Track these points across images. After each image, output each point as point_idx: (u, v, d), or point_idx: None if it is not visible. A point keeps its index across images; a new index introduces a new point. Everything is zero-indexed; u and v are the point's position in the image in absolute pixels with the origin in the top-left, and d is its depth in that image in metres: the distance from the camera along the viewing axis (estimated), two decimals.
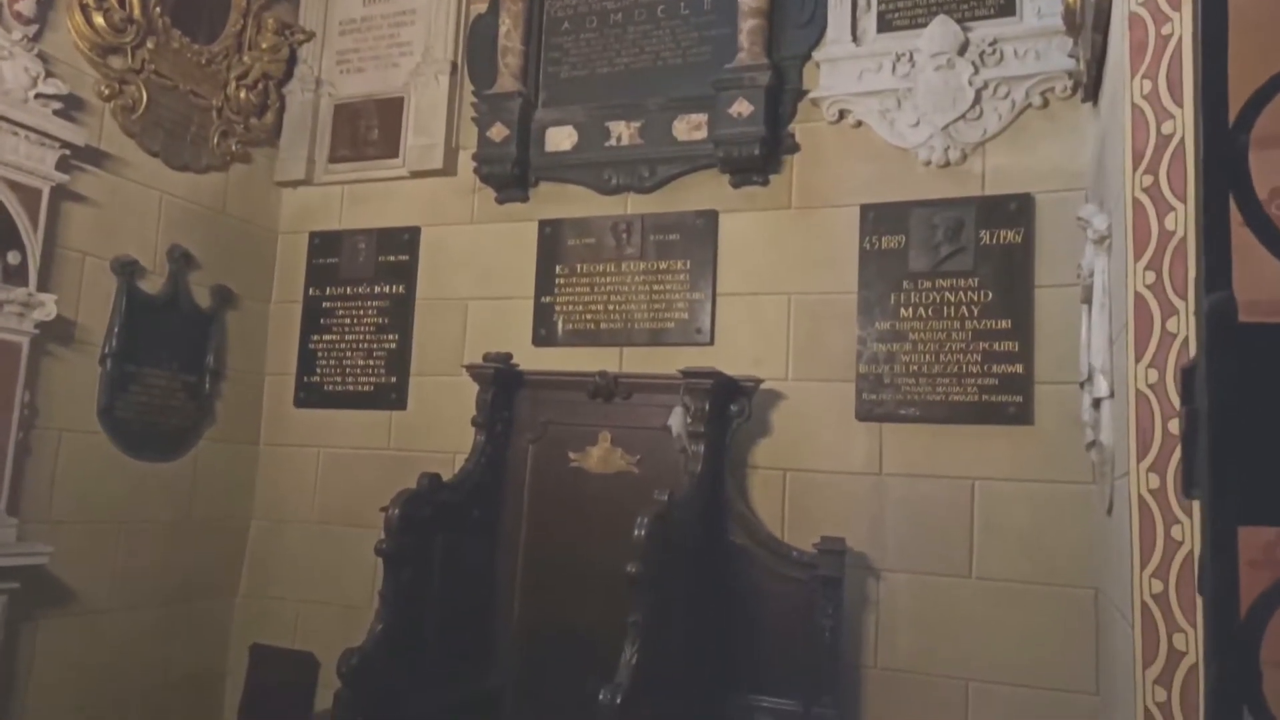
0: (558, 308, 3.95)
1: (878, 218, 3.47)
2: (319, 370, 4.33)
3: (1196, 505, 1.68)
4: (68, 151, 3.35)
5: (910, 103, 3.43)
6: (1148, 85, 1.91)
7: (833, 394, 3.46)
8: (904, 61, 3.45)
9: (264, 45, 4.30)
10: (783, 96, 3.64)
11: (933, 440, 3.31)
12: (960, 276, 3.32)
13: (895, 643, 3.26)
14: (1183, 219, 1.87)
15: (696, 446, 3.25)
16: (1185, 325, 1.82)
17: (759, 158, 3.58)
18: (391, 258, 4.27)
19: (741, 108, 3.56)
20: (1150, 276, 1.90)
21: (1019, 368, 3.22)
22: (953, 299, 3.33)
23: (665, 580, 2.83)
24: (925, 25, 3.43)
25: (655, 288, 3.81)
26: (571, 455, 3.56)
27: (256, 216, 4.36)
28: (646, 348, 3.79)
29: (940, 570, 3.24)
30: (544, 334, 3.96)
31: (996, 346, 3.25)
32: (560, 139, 3.98)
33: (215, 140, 4.10)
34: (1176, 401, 1.81)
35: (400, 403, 4.16)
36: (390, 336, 4.23)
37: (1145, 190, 1.94)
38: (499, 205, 4.10)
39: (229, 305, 4.19)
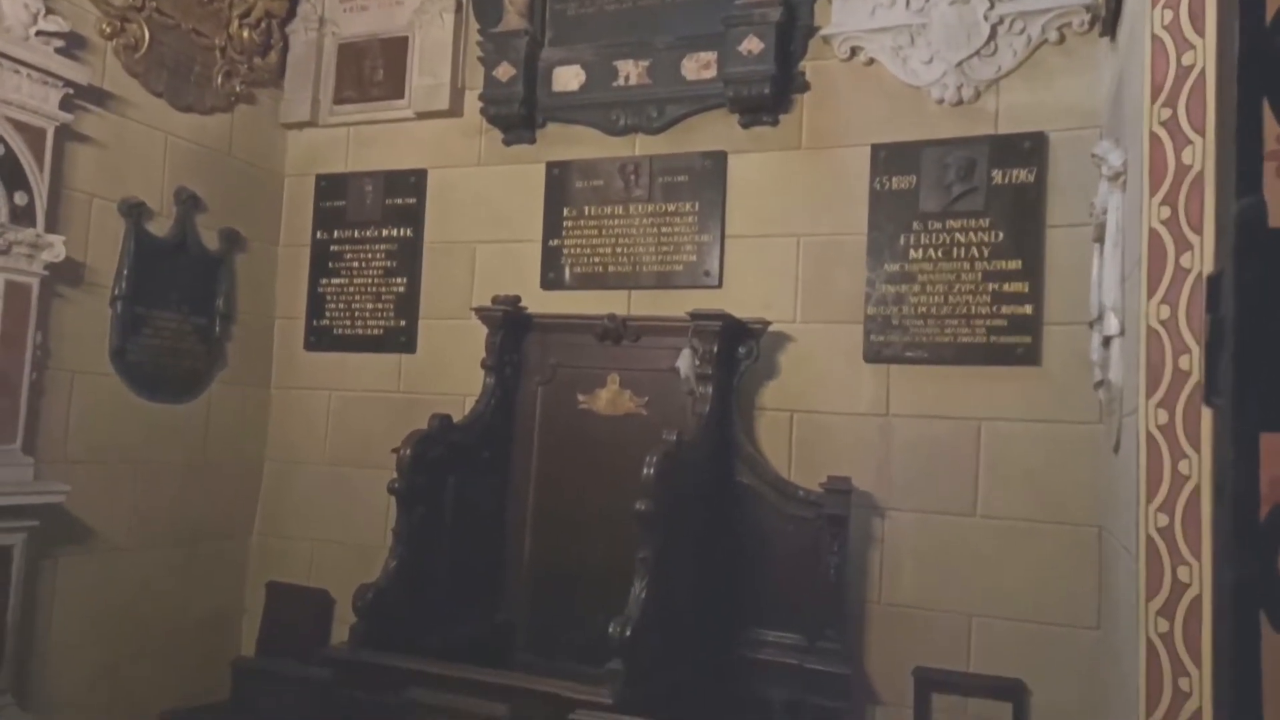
0: (566, 251, 3.94)
1: (889, 158, 3.43)
2: (328, 314, 4.34)
3: (1205, 439, 1.70)
4: (71, 91, 3.32)
5: (924, 39, 3.38)
6: (1169, 15, 1.87)
7: (841, 336, 3.47)
8: None
9: None
10: (793, 33, 3.58)
11: (940, 382, 3.32)
12: (971, 217, 3.30)
13: (899, 579, 3.31)
14: (1200, 153, 1.85)
15: (704, 388, 3.26)
16: (1199, 260, 1.81)
17: (769, 97, 3.54)
18: (399, 200, 4.25)
19: (751, 45, 3.51)
20: (1165, 212, 1.89)
21: (1028, 309, 3.21)
22: (963, 240, 3.31)
23: (674, 518, 2.86)
24: None
25: (663, 230, 3.80)
26: (580, 398, 3.58)
27: (262, 159, 4.33)
28: (654, 290, 3.78)
29: (945, 509, 3.27)
30: (552, 277, 3.95)
31: (1006, 287, 3.25)
32: (567, 79, 3.93)
33: (219, 81, 4.05)
34: (1188, 338, 1.82)
35: (409, 346, 4.17)
36: (398, 280, 4.22)
37: (1163, 124, 1.92)
38: (506, 147, 4.07)
39: (237, 248, 4.18)
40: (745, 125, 3.67)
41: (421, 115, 4.20)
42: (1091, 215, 2.64)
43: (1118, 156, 2.33)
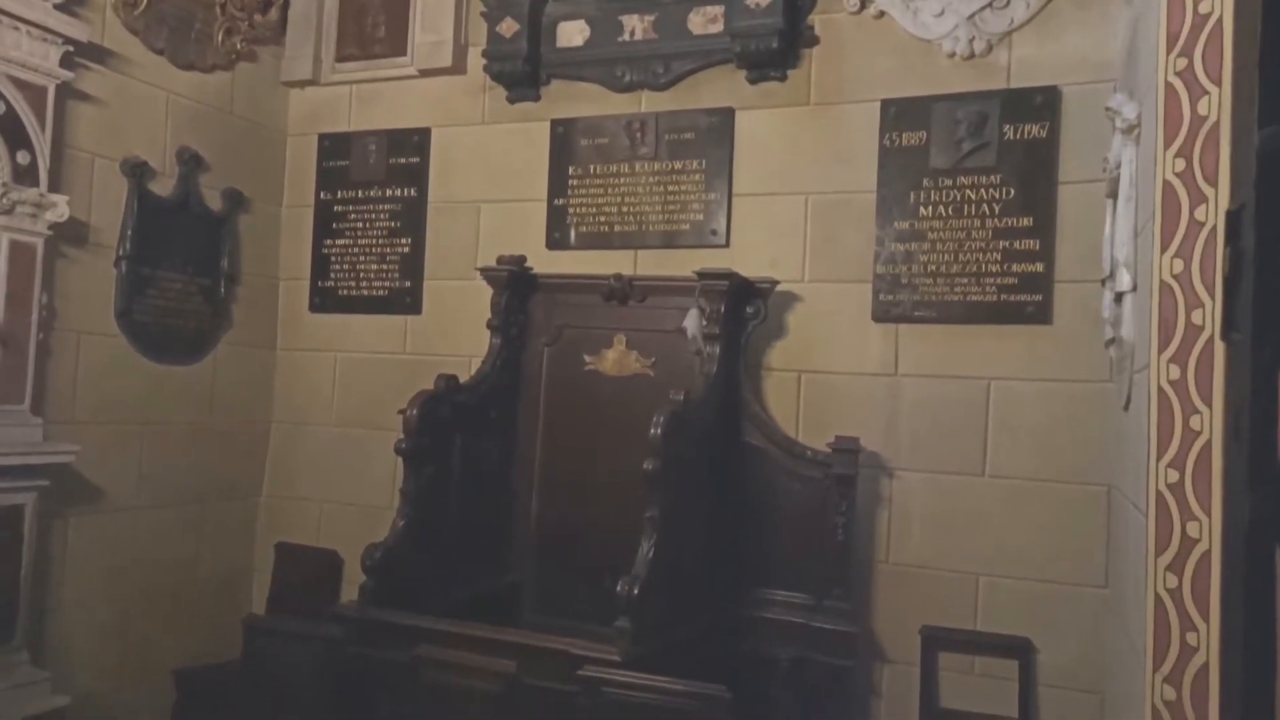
0: (571, 210, 3.91)
1: (899, 113, 3.38)
2: (333, 275, 4.32)
3: (1218, 388, 1.68)
4: (71, 48, 3.28)
5: None
6: None
7: (849, 295, 3.44)
8: None
9: None
10: None
11: (949, 341, 3.30)
12: (982, 173, 3.25)
13: (907, 539, 3.31)
14: (1216, 103, 1.81)
15: (712, 348, 3.24)
16: (1214, 214, 1.78)
17: (777, 51, 3.48)
18: (402, 160, 4.21)
19: None
20: (1180, 164, 1.85)
21: (1039, 266, 3.18)
22: (974, 197, 3.27)
23: (681, 478, 2.86)
24: None
25: (670, 189, 3.76)
26: (586, 358, 3.57)
27: (264, 118, 4.29)
28: (661, 250, 3.75)
29: (953, 469, 3.26)
30: (557, 237, 3.92)
31: (1017, 245, 3.21)
32: (572, 34, 3.87)
33: (220, 38, 4.00)
34: (1201, 291, 1.79)
35: (415, 307, 4.16)
36: (403, 240, 4.20)
37: (1179, 74, 1.87)
38: (510, 105, 4.02)
39: (240, 209, 4.16)
40: (753, 81, 3.61)
41: (424, 73, 4.15)
42: (1105, 170, 2.60)
43: (1132, 109, 2.29)
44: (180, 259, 3.87)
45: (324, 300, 4.34)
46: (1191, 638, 1.77)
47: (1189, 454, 1.79)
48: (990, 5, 3.24)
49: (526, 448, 3.60)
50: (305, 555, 4.16)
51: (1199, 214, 1.81)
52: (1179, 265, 1.83)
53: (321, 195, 4.36)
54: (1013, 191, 3.22)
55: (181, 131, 3.86)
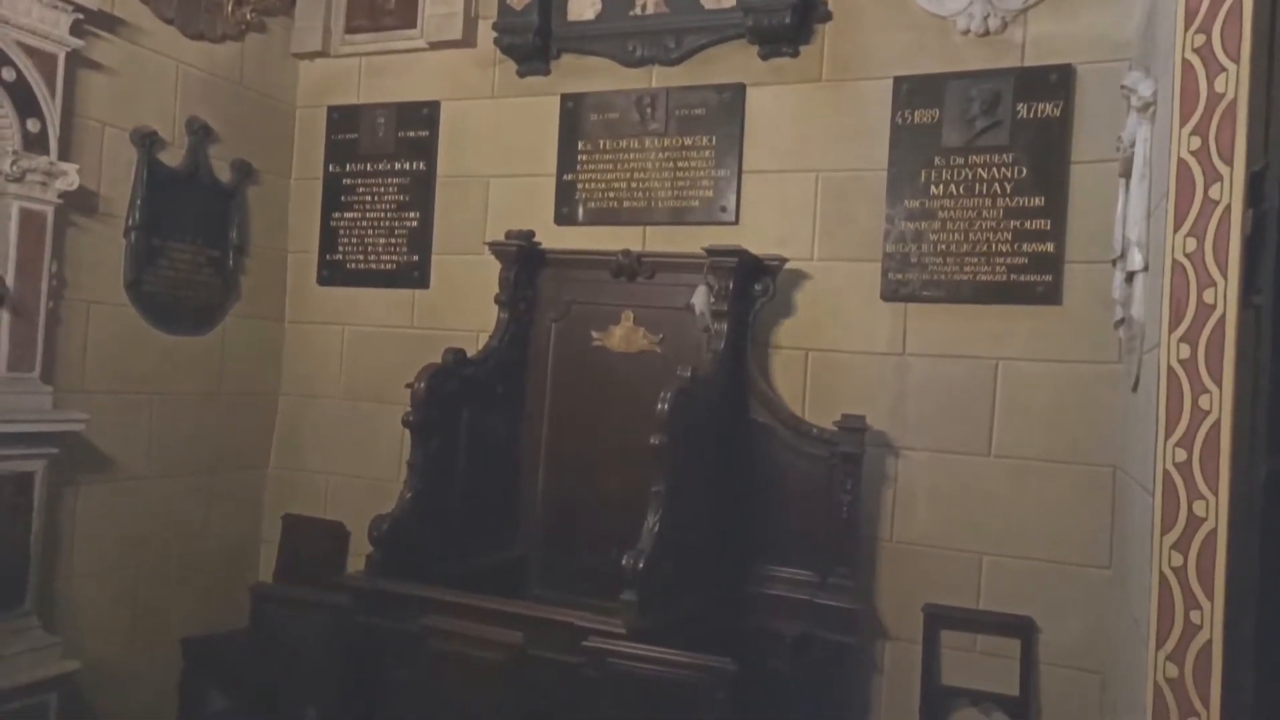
0: (580, 185, 3.89)
1: (911, 90, 3.36)
2: (341, 248, 4.32)
3: (1228, 373, 1.67)
4: (80, 16, 3.27)
5: None
6: None
7: (858, 274, 3.43)
8: None
9: None
10: None
11: (958, 320, 3.29)
12: (994, 152, 3.24)
13: (912, 518, 3.32)
14: (1233, 80, 1.80)
15: (719, 325, 3.25)
16: (1228, 192, 1.77)
17: (789, 26, 3.45)
18: (411, 133, 4.20)
19: None
20: (1196, 142, 1.84)
21: (1050, 246, 3.16)
22: (985, 175, 3.25)
23: (687, 453, 2.87)
24: None
25: (679, 165, 3.74)
26: (594, 334, 3.57)
27: (274, 89, 4.28)
28: (670, 227, 3.74)
29: (960, 448, 3.27)
30: (566, 213, 3.91)
31: (1028, 225, 3.19)
32: (583, 7, 3.85)
33: (230, 8, 3.98)
34: (1214, 271, 1.78)
35: (423, 281, 4.16)
36: (411, 214, 4.19)
37: (1196, 50, 1.86)
38: (520, 79, 4.00)
39: (249, 180, 4.15)
40: (765, 56, 3.59)
41: (434, 45, 4.13)
42: (1118, 149, 2.58)
43: (1148, 86, 2.27)
44: (189, 230, 3.87)
45: (332, 273, 4.34)
46: (1195, 616, 1.78)
47: (1197, 433, 1.79)
48: None
49: (533, 422, 3.62)
50: (312, 527, 4.19)
51: (1213, 192, 1.80)
52: (1192, 244, 1.82)
53: (330, 168, 4.35)
54: (1025, 171, 3.21)
55: (191, 102, 3.85)
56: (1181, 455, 1.82)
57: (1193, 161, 1.84)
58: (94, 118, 3.45)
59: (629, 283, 3.52)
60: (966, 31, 3.28)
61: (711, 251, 3.26)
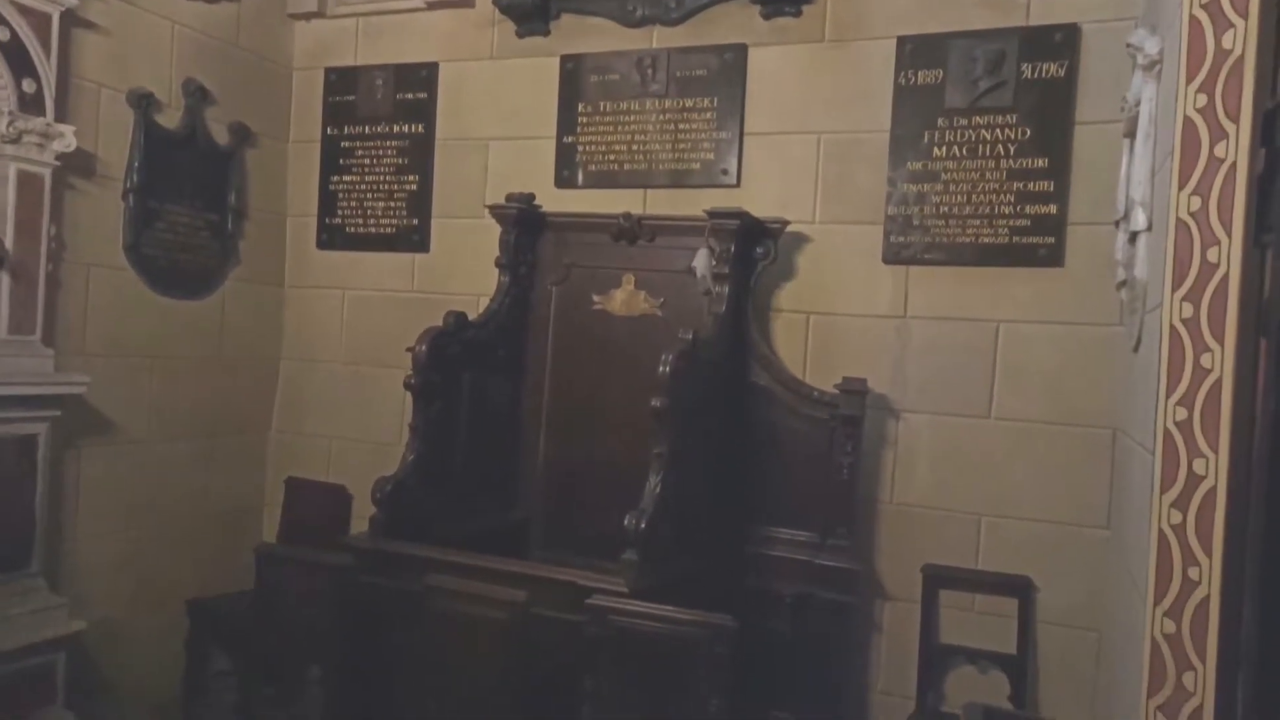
0: (580, 148, 3.87)
1: (915, 50, 3.33)
2: (340, 212, 4.30)
3: (1230, 331, 1.68)
4: None
5: None
6: None
7: (860, 237, 3.42)
8: None
9: None
10: None
11: (959, 283, 3.29)
12: (998, 113, 3.21)
13: (911, 480, 3.34)
14: (1241, 36, 1.79)
15: (721, 288, 3.24)
16: (1234, 150, 1.76)
17: None
18: (410, 95, 4.16)
19: None
20: (1202, 99, 1.83)
21: (1052, 208, 3.15)
22: (989, 137, 3.23)
23: (689, 416, 2.88)
24: None
25: (681, 127, 3.72)
26: (595, 298, 3.57)
27: (270, 50, 4.23)
28: (670, 189, 3.72)
29: (960, 411, 3.28)
30: (566, 175, 3.89)
31: (1031, 186, 3.18)
32: None
33: None
34: (1217, 229, 1.78)
35: (423, 245, 4.15)
36: (411, 178, 4.17)
37: (1204, 6, 1.84)
38: (519, 39, 3.96)
39: (247, 143, 4.12)
40: (767, 16, 3.55)
41: (432, 5, 4.08)
42: (1123, 109, 2.57)
43: (1154, 44, 2.25)
44: (187, 193, 3.85)
45: (331, 237, 4.32)
46: (1194, 572, 1.80)
47: (1198, 392, 1.80)
48: None
49: (534, 386, 3.62)
50: (315, 490, 4.21)
51: (1219, 150, 1.79)
52: (1196, 202, 1.82)
53: (328, 131, 4.32)
54: (1028, 132, 3.18)
55: (187, 63, 3.81)
56: (1182, 414, 1.83)
57: (1198, 119, 1.83)
58: (90, 79, 3.42)
59: (630, 246, 3.52)
60: None
61: (713, 214, 3.24)
